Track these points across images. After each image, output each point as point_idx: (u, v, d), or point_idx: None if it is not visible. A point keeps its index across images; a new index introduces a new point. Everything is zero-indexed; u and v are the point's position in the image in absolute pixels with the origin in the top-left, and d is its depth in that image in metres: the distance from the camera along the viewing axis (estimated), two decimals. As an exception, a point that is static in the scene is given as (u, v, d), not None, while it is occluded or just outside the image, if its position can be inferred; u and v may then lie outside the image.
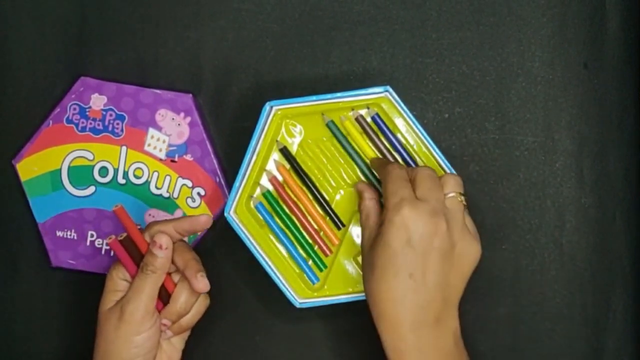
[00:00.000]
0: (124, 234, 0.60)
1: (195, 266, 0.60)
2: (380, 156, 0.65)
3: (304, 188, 0.65)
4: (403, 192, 0.57)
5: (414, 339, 0.55)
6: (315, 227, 0.66)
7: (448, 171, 0.64)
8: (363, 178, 0.65)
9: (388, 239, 0.56)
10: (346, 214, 0.66)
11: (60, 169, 0.69)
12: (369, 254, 0.57)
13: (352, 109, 0.65)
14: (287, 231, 0.66)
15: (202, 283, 0.60)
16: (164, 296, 0.61)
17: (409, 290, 0.55)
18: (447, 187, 0.58)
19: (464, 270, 0.57)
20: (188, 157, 0.68)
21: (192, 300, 0.62)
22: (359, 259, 0.66)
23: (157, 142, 0.68)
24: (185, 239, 0.67)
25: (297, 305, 0.64)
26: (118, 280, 0.61)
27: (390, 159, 0.64)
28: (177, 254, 0.61)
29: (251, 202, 0.65)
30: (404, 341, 0.55)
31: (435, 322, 0.55)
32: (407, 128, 0.65)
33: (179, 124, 0.68)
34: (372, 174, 0.65)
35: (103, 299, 0.61)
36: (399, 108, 0.64)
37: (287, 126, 0.65)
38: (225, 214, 0.64)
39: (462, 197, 0.58)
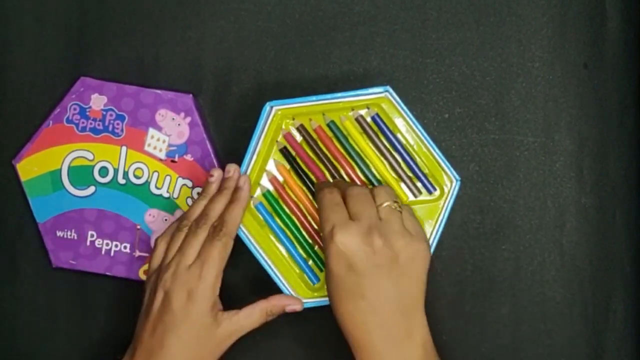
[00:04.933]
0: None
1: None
2: (379, 156, 0.65)
3: (304, 188, 0.65)
4: (334, 217, 0.57)
5: (382, 358, 0.55)
6: (316, 227, 0.66)
7: (448, 172, 0.64)
8: (363, 178, 0.65)
9: (331, 267, 0.57)
10: (346, 214, 0.66)
11: (61, 169, 0.69)
12: (325, 280, 0.59)
13: (352, 109, 0.65)
14: (287, 231, 0.66)
15: None
16: None
17: (366, 313, 0.55)
18: (378, 199, 0.59)
19: (417, 274, 0.57)
20: (188, 157, 0.68)
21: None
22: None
23: (157, 142, 0.68)
24: None
25: (298, 306, 0.64)
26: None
27: (391, 159, 0.64)
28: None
29: (251, 202, 0.65)
30: None
31: (401, 337, 0.55)
32: (407, 128, 0.65)
33: (179, 124, 0.68)
34: (372, 174, 0.65)
35: (212, 290, 0.59)
36: (399, 108, 0.64)
37: (288, 126, 0.65)
38: (226, 214, 0.64)
39: (396, 204, 0.58)
